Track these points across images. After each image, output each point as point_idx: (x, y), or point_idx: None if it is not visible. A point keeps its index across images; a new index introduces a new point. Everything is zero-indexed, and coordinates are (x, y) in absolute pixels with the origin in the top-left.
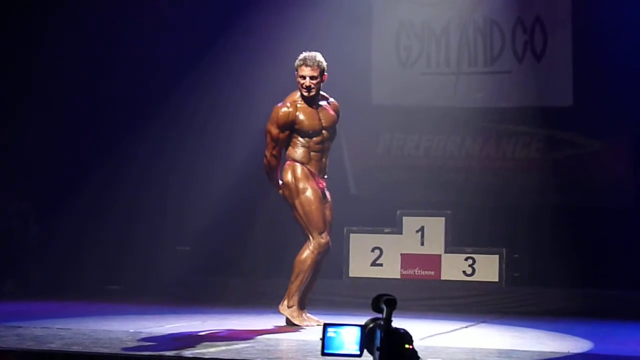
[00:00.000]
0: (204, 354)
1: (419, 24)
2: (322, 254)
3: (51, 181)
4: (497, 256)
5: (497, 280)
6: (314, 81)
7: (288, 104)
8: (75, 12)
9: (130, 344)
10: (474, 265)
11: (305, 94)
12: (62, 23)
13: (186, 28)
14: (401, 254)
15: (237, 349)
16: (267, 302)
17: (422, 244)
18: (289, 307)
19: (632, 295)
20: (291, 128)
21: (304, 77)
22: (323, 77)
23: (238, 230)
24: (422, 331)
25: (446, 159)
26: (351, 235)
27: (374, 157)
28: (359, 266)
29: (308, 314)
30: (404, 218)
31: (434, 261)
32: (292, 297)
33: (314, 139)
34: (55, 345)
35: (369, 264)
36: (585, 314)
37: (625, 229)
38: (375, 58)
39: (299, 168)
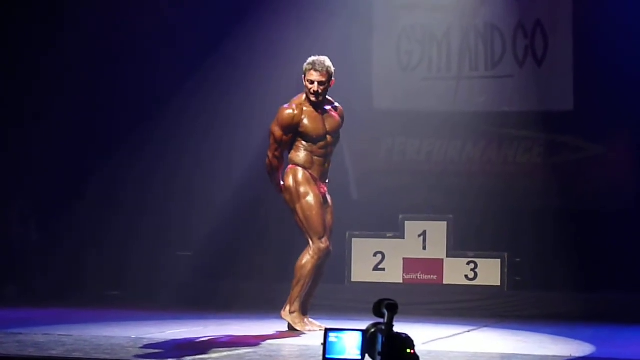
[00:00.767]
0: (205, 359)
1: (420, 29)
2: (322, 258)
3: (53, 186)
4: (499, 260)
5: (499, 284)
6: (322, 86)
7: (294, 106)
8: (77, 12)
9: (132, 350)
10: (476, 270)
11: (313, 99)
12: (64, 24)
13: (188, 29)
14: (403, 259)
15: (239, 354)
16: (270, 308)
17: (425, 248)
18: (290, 312)
19: (633, 298)
20: (295, 131)
21: (312, 82)
22: (330, 82)
23: (241, 235)
24: (425, 335)
25: (448, 164)
26: (353, 240)
27: (376, 161)
28: (362, 271)
29: (310, 319)
30: (406, 222)
31: (436, 265)
32: (293, 302)
33: (318, 143)
34: (56, 352)
35: (372, 268)
36: (587, 317)
37: (626, 232)
38: (377, 63)
39: (300, 172)
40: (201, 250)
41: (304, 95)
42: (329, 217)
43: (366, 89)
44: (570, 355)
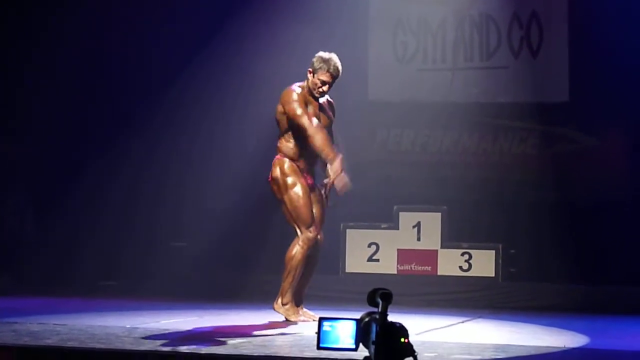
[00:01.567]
0: (200, 349)
1: (415, 19)
2: (312, 248)
3: (47, 177)
4: (494, 251)
5: (493, 275)
6: (329, 87)
7: (299, 90)
8: (74, 10)
9: (127, 340)
10: (471, 261)
11: (318, 96)
12: (60, 21)
13: (184, 22)
14: (398, 250)
15: (233, 344)
16: (265, 298)
17: (419, 239)
18: (283, 304)
19: (628, 290)
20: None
21: (324, 83)
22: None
23: (235, 226)
24: (419, 326)
25: (442, 155)
26: (347, 230)
27: (371, 152)
28: (356, 262)
29: (305, 310)
30: (400, 213)
31: (430, 256)
32: (285, 294)
33: None
34: (51, 341)
35: (366, 259)
36: (581, 309)
37: (621, 224)
38: (372, 54)
39: (287, 163)
40: (195, 241)
41: (305, 87)
42: (318, 208)
43: (361, 80)
44: (564, 346)
